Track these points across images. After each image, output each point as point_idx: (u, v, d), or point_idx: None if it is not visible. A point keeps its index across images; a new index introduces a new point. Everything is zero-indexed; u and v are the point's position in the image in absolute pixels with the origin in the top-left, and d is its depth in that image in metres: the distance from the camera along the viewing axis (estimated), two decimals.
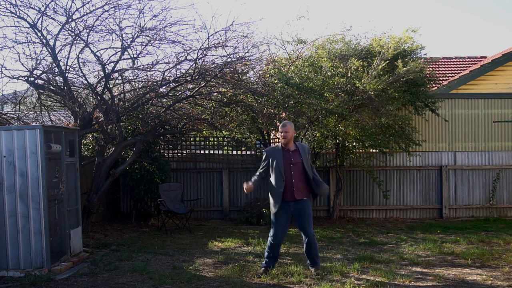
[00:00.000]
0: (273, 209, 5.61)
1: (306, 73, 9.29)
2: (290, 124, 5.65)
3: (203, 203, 11.12)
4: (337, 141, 10.01)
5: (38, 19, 7.35)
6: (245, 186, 5.58)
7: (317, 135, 9.60)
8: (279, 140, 5.78)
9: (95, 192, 8.25)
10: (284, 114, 9.09)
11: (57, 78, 8.04)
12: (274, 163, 5.56)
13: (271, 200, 5.65)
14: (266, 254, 5.77)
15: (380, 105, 9.28)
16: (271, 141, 10.86)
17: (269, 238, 5.68)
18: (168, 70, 8.38)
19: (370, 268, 5.94)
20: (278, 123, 8.95)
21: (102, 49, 8.30)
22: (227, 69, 8.55)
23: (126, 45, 7.82)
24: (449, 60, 13.73)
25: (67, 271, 5.82)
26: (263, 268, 5.69)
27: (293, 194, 5.50)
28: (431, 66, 11.99)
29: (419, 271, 5.90)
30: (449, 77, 11.98)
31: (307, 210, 5.56)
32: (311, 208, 5.67)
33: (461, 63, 13.46)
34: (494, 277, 5.57)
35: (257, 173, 5.75)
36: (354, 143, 10.05)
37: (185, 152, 11.42)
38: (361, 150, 10.41)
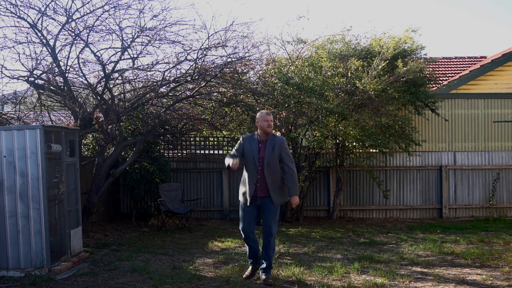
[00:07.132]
0: (241, 202, 5.38)
1: (306, 73, 9.29)
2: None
3: (203, 203, 11.11)
4: (337, 141, 10.01)
5: (38, 19, 7.35)
6: (232, 162, 5.09)
7: (317, 135, 9.60)
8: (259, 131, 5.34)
9: (95, 192, 8.25)
10: (284, 113, 9.09)
11: (57, 78, 8.04)
12: (249, 153, 5.26)
13: (240, 191, 5.39)
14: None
15: (380, 105, 9.29)
16: None
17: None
18: (168, 70, 8.38)
19: (370, 268, 5.95)
20: (278, 123, 8.94)
21: (102, 49, 8.32)
22: (227, 69, 8.55)
23: (126, 45, 7.82)
24: (449, 60, 13.73)
25: (67, 271, 5.82)
26: (250, 267, 5.46)
27: (260, 190, 5.25)
28: (431, 66, 11.99)
29: (419, 271, 5.90)
30: (449, 77, 11.98)
31: (270, 208, 5.24)
32: (277, 207, 5.34)
33: (461, 63, 13.46)
34: (494, 277, 5.57)
35: (232, 154, 5.32)
36: (354, 143, 10.06)
37: (185, 152, 11.42)
38: (361, 150, 10.42)
